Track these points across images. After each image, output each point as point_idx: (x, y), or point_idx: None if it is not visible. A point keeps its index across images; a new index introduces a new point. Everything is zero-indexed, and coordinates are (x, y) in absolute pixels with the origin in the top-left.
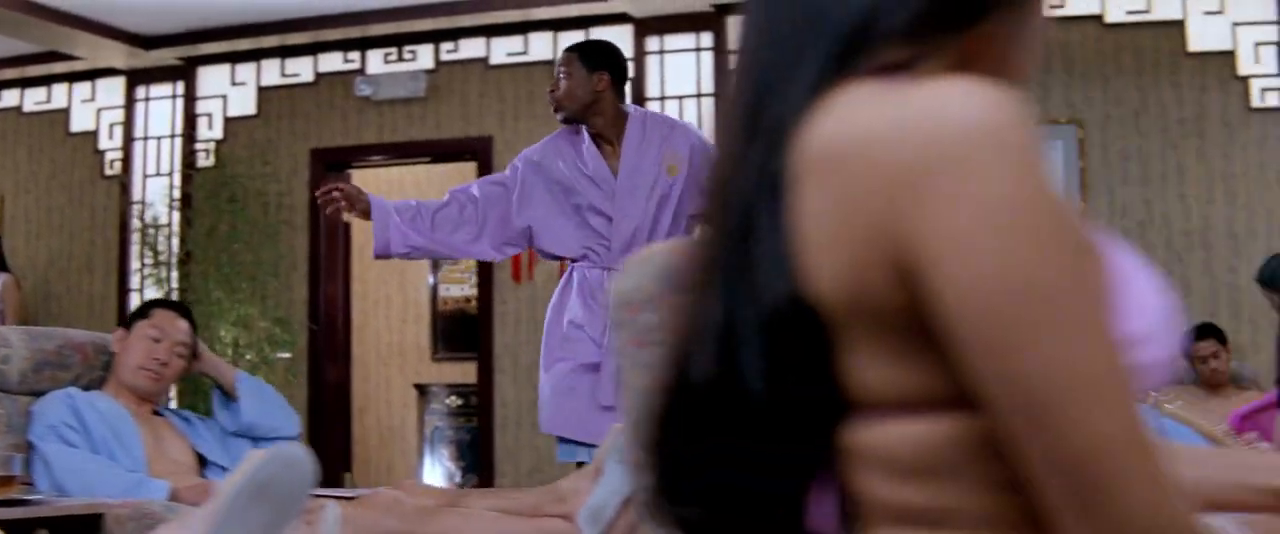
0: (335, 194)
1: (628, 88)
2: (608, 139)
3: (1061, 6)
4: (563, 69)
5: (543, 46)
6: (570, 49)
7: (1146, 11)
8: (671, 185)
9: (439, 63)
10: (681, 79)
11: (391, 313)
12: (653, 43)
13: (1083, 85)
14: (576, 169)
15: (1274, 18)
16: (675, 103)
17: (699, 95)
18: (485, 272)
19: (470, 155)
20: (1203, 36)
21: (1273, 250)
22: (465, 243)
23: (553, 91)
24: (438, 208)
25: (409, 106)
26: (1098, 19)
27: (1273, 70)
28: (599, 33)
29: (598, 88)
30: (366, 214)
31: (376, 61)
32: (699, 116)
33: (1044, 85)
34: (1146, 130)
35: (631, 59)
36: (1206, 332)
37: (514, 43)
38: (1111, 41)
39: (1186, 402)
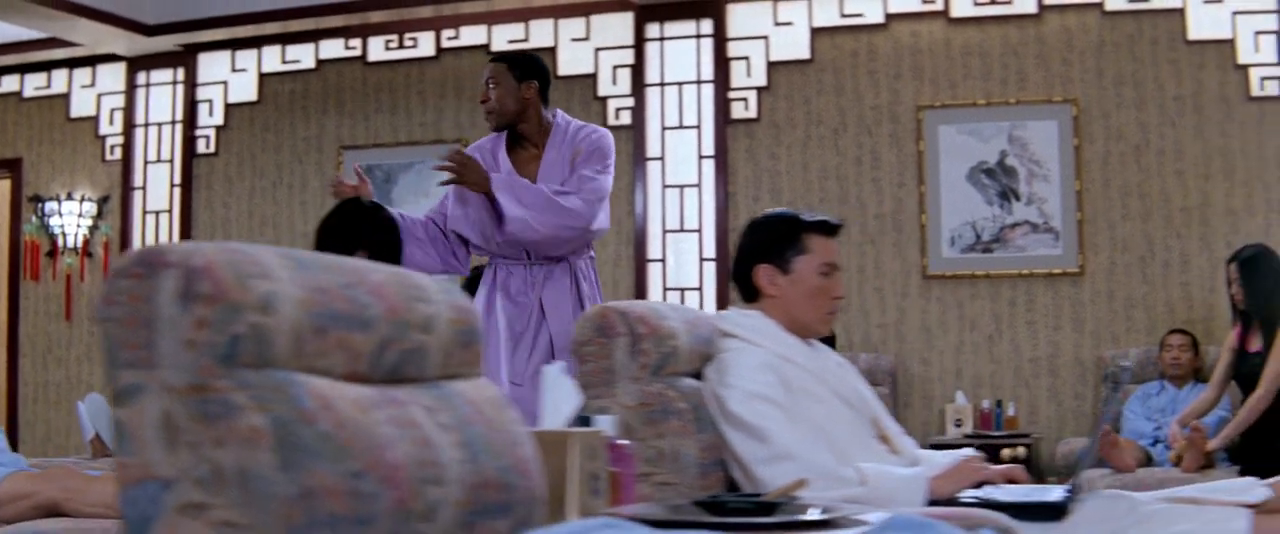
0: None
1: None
2: (533, 143)
3: (456, 37)
4: (491, 80)
5: (60, 81)
6: (498, 59)
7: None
8: None
9: None
10: (162, 108)
11: None
12: (138, 79)
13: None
14: (492, 170)
15: (709, 32)
16: (156, 130)
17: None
18: (13, 272)
19: (5, 174)
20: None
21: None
22: (444, 256)
23: (484, 102)
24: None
25: None
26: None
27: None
28: (103, 69)
29: (526, 97)
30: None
31: None
32: (173, 148)
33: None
34: None
35: (123, 92)
36: None
37: (40, 78)
38: None
39: None
